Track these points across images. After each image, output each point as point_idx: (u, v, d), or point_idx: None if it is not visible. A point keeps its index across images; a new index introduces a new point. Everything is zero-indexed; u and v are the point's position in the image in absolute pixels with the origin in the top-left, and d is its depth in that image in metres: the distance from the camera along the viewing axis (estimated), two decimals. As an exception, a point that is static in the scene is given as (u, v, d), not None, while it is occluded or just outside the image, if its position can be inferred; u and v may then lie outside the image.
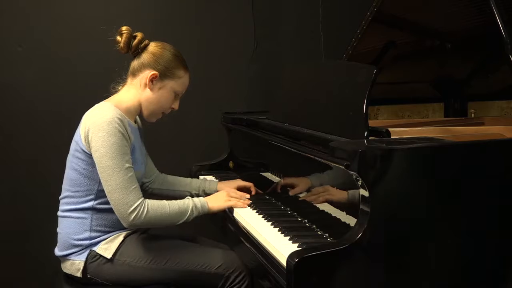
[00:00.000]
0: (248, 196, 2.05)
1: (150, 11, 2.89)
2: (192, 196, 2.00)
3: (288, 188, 1.95)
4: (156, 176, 2.17)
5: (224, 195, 1.99)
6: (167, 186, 2.15)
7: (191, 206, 1.87)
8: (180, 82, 1.93)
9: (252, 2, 3.01)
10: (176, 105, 1.98)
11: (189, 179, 2.21)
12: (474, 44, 2.29)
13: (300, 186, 1.87)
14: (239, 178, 2.25)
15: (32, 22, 2.74)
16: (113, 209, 1.78)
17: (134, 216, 1.76)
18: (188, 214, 1.86)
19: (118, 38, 1.90)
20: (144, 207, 1.78)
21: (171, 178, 2.19)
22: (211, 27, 2.98)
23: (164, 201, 1.85)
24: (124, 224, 1.79)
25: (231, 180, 2.20)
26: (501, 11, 1.91)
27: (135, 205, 1.76)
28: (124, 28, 1.90)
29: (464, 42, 2.33)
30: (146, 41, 1.92)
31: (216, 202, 1.94)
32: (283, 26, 3.11)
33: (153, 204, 1.80)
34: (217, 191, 2.11)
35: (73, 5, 2.79)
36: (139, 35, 1.90)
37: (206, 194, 2.11)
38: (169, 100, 1.94)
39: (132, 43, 1.89)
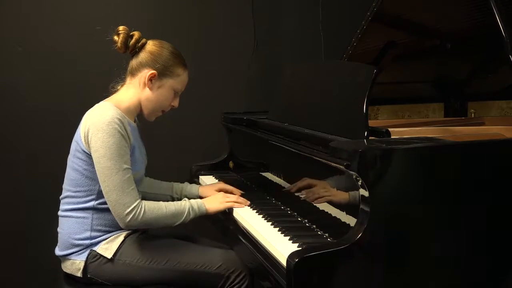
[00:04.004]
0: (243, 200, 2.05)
1: (150, 11, 2.89)
2: (173, 200, 2.00)
3: (288, 188, 1.95)
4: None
5: (221, 196, 1.99)
6: (149, 190, 2.13)
7: (187, 207, 1.87)
8: (179, 80, 1.93)
9: (252, 2, 3.01)
10: (176, 103, 1.98)
11: (171, 183, 2.20)
12: (474, 44, 2.29)
13: (300, 186, 1.87)
14: (222, 181, 2.26)
15: (32, 22, 2.74)
16: (110, 209, 1.78)
17: (131, 218, 1.76)
18: (184, 216, 1.86)
19: (115, 38, 1.89)
20: (141, 208, 1.78)
21: (152, 181, 2.19)
22: (211, 27, 2.98)
23: (161, 202, 1.85)
24: (121, 225, 1.80)
25: (212, 184, 2.20)
26: (501, 11, 1.91)
27: (132, 206, 1.76)
28: (121, 27, 1.90)
29: (464, 42, 2.33)
30: (144, 40, 1.91)
31: (213, 203, 1.94)
32: (283, 26, 3.11)
33: (149, 206, 1.80)
34: (198, 196, 2.12)
35: (73, 5, 2.79)
36: (136, 34, 1.90)
37: (188, 198, 2.10)
38: (169, 99, 1.94)
39: (130, 42, 1.89)
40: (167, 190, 2.17)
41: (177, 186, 2.19)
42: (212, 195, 2.05)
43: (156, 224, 1.83)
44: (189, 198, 1.98)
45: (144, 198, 1.89)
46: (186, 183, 2.22)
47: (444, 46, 2.38)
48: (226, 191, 2.10)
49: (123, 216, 1.77)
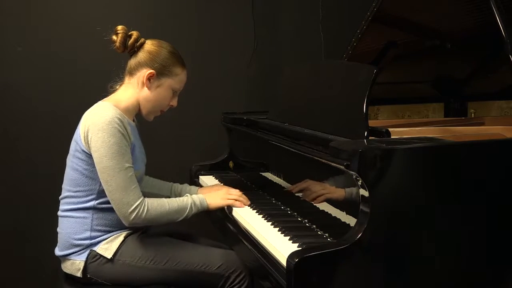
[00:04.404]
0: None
1: (150, 11, 2.89)
2: None
3: (288, 188, 1.95)
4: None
5: (223, 193, 1.99)
6: (148, 189, 2.13)
7: (190, 203, 1.87)
8: (177, 79, 1.93)
9: (252, 2, 3.01)
10: (174, 102, 1.98)
11: (171, 183, 2.20)
12: (474, 44, 2.29)
13: (300, 186, 1.87)
14: (222, 182, 2.26)
15: (32, 22, 2.74)
16: (114, 208, 1.78)
17: (135, 216, 1.77)
18: (187, 211, 1.86)
19: (114, 37, 1.89)
20: (144, 206, 1.78)
21: (153, 180, 2.18)
22: (211, 27, 2.98)
23: (163, 199, 1.85)
24: (125, 223, 1.80)
25: (211, 186, 2.20)
26: (501, 11, 1.91)
27: (135, 204, 1.77)
28: (119, 27, 1.90)
29: (464, 42, 2.33)
30: (142, 40, 1.91)
31: (214, 199, 1.95)
32: (283, 26, 3.11)
33: (152, 203, 1.81)
34: None
35: (73, 5, 2.79)
36: (134, 34, 1.90)
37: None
38: (167, 98, 1.94)
39: (128, 42, 1.89)
40: (166, 190, 2.17)
41: (176, 187, 2.19)
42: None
43: (159, 221, 1.84)
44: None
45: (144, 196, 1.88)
46: (186, 184, 2.22)
47: (444, 46, 2.38)
48: None
49: (127, 215, 1.77)
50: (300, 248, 1.48)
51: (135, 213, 1.77)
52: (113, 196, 1.77)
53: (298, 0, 3.11)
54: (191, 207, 1.87)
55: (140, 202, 1.78)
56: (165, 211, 1.82)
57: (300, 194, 1.86)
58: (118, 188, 1.76)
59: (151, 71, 1.88)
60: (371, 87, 1.67)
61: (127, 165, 1.78)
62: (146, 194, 2.00)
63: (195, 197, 1.91)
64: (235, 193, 2.00)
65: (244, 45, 3.03)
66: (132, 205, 1.76)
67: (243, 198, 1.99)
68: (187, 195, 1.92)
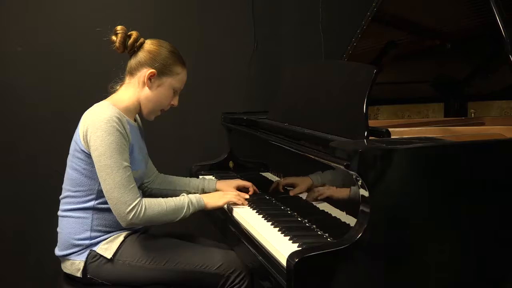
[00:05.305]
0: (246, 196, 2.06)
1: (150, 11, 2.89)
2: None
3: (288, 188, 1.95)
4: (156, 176, 2.17)
5: (221, 193, 2.01)
6: (166, 186, 2.15)
7: (187, 202, 1.87)
8: (178, 78, 1.93)
9: (252, 2, 3.01)
10: (175, 102, 1.98)
11: (188, 178, 2.21)
12: (474, 44, 2.29)
13: (300, 186, 1.87)
14: (239, 178, 2.25)
15: (32, 22, 2.74)
16: (111, 208, 1.78)
17: (132, 215, 1.76)
18: (184, 211, 1.86)
19: (113, 38, 1.89)
20: (141, 206, 1.78)
21: (170, 178, 2.20)
22: (211, 27, 2.98)
23: (161, 199, 1.85)
24: (122, 223, 1.79)
25: (230, 180, 2.21)
26: (501, 11, 1.91)
27: (133, 204, 1.76)
28: (119, 27, 1.90)
29: (464, 42, 2.33)
30: (142, 39, 1.91)
31: (212, 198, 1.96)
32: (283, 26, 3.11)
33: (150, 203, 1.81)
34: (216, 190, 2.13)
35: (73, 5, 2.79)
36: (134, 34, 1.90)
37: (205, 193, 2.11)
38: (168, 97, 1.94)
39: (128, 42, 1.89)
40: (184, 186, 2.16)
41: (195, 181, 2.19)
42: (230, 191, 2.07)
43: (157, 221, 1.83)
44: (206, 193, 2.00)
45: (161, 195, 1.87)
46: (203, 178, 2.21)
47: (444, 46, 2.38)
48: (244, 187, 2.12)
49: (124, 215, 1.76)
50: (300, 248, 1.49)
51: (132, 212, 1.76)
52: (110, 195, 1.77)
53: (298, 0, 3.11)
54: (188, 206, 1.87)
55: (138, 201, 1.78)
56: (162, 210, 1.82)
57: (300, 194, 1.86)
58: (116, 187, 1.75)
59: (152, 70, 1.88)
60: (371, 87, 1.67)
61: (125, 164, 1.78)
62: (163, 192, 2.03)
63: (192, 196, 1.91)
64: (232, 192, 2.01)
65: (244, 45, 3.03)
66: (130, 204, 1.76)
67: (241, 197, 1.99)
68: (183, 194, 1.92)
